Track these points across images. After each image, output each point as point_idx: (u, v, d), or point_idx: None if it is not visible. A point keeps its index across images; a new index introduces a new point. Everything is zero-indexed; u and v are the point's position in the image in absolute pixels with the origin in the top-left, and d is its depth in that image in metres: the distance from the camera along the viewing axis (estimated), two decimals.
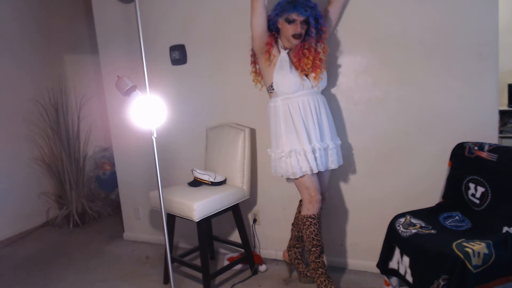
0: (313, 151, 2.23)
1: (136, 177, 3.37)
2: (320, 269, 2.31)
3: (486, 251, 1.68)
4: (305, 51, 2.22)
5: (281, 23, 2.22)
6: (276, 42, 2.28)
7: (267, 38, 2.25)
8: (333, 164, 2.31)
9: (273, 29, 2.27)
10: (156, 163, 1.99)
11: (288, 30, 2.19)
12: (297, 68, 2.23)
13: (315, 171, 2.25)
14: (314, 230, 2.29)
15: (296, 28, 2.17)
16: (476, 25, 2.16)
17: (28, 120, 3.90)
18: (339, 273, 2.62)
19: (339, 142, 2.38)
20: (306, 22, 2.18)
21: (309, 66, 2.22)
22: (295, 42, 2.21)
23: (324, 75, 2.28)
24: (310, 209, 2.29)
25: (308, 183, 2.28)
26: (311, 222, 2.28)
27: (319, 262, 2.31)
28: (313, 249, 2.30)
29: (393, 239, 2.04)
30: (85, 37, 4.47)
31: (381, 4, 2.34)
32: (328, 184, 2.52)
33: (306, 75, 2.25)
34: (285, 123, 2.25)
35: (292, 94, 2.23)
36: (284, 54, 2.25)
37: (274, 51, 2.25)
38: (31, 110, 3.91)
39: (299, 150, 2.23)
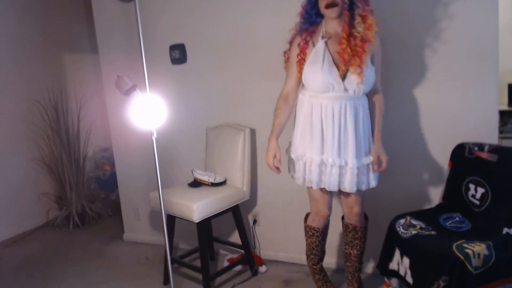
0: (320, 165, 1.97)
1: (136, 177, 3.37)
2: (317, 275, 2.29)
3: (486, 252, 1.67)
4: (343, 34, 1.84)
5: None
6: (313, 33, 1.97)
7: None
8: (349, 185, 1.96)
9: (314, 19, 1.97)
10: (156, 163, 1.99)
11: (321, 4, 1.86)
12: (336, 64, 1.90)
13: (315, 187, 2.01)
14: (315, 241, 2.21)
15: None
16: (476, 25, 2.16)
17: (28, 120, 3.90)
18: (339, 274, 2.61)
19: (367, 161, 1.99)
20: None
21: (348, 56, 1.82)
22: (331, 14, 1.85)
23: (366, 73, 1.86)
24: (315, 222, 2.19)
25: (316, 196, 2.10)
26: (313, 233, 2.20)
27: (315, 268, 2.28)
28: (311, 256, 2.27)
29: (393, 240, 2.04)
30: (85, 37, 4.46)
31: (381, 4, 2.34)
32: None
33: (344, 74, 1.89)
34: (304, 122, 2.01)
35: (319, 94, 1.94)
36: (321, 43, 1.92)
37: (308, 50, 1.96)
38: (31, 110, 3.90)
39: (308, 157, 2.00)
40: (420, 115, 2.36)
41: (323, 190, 2.05)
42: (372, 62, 1.94)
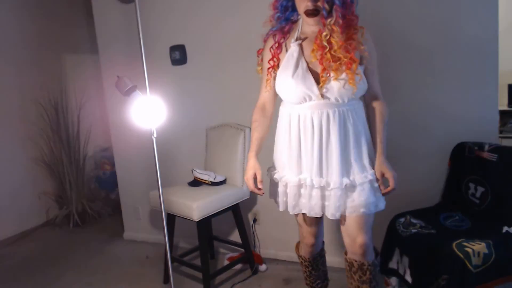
0: (298, 186, 1.68)
1: (136, 176, 3.37)
2: None
3: (486, 251, 1.68)
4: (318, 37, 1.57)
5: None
6: (289, 34, 1.69)
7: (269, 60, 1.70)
8: (332, 210, 1.62)
9: (289, 14, 1.68)
10: (156, 163, 1.99)
11: (300, 6, 1.57)
12: (312, 69, 1.60)
13: (291, 212, 1.74)
14: (305, 271, 2.01)
15: (307, 1, 1.53)
16: (476, 25, 2.16)
17: (28, 120, 3.90)
18: (339, 273, 2.61)
19: (364, 179, 1.62)
20: None
21: (319, 59, 1.55)
22: (311, 21, 1.58)
23: (341, 79, 1.54)
24: (301, 249, 1.98)
25: (300, 221, 1.87)
26: (301, 262, 2.01)
27: None
28: None
29: (393, 239, 2.04)
30: (85, 37, 4.47)
31: (381, 3, 2.34)
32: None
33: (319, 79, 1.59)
34: (283, 137, 1.73)
35: (295, 105, 1.65)
36: (294, 47, 1.63)
37: (281, 55, 1.69)
38: (31, 110, 3.91)
39: (287, 179, 1.71)
40: (420, 114, 2.36)
41: (305, 214, 1.74)
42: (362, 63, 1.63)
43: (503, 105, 4.36)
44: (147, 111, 1.93)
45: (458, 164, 2.13)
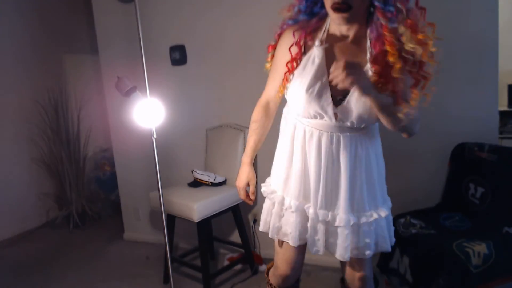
0: (302, 213, 1.42)
1: (136, 177, 3.37)
2: None
3: (486, 251, 1.68)
4: (383, 39, 1.22)
5: None
6: (312, 33, 1.37)
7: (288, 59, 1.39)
8: (340, 250, 1.39)
9: (317, 9, 1.37)
10: (156, 163, 1.99)
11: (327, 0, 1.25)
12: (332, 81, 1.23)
13: (293, 243, 1.44)
14: None
15: None
16: (476, 25, 2.16)
17: (28, 120, 3.90)
18: (339, 273, 2.61)
19: (365, 220, 1.39)
20: None
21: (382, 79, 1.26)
22: (338, 20, 1.25)
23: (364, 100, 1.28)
24: (272, 277, 1.66)
25: (278, 249, 1.57)
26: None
27: None
28: None
29: None
30: (85, 38, 4.47)
31: None
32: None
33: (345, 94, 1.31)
34: (284, 148, 1.49)
35: (304, 119, 1.40)
36: (317, 52, 1.33)
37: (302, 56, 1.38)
38: (31, 111, 3.90)
39: (277, 197, 1.47)
40: (420, 115, 2.35)
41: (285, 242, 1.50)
42: None
43: (503, 106, 4.36)
44: (147, 112, 1.93)
45: (458, 165, 2.13)
